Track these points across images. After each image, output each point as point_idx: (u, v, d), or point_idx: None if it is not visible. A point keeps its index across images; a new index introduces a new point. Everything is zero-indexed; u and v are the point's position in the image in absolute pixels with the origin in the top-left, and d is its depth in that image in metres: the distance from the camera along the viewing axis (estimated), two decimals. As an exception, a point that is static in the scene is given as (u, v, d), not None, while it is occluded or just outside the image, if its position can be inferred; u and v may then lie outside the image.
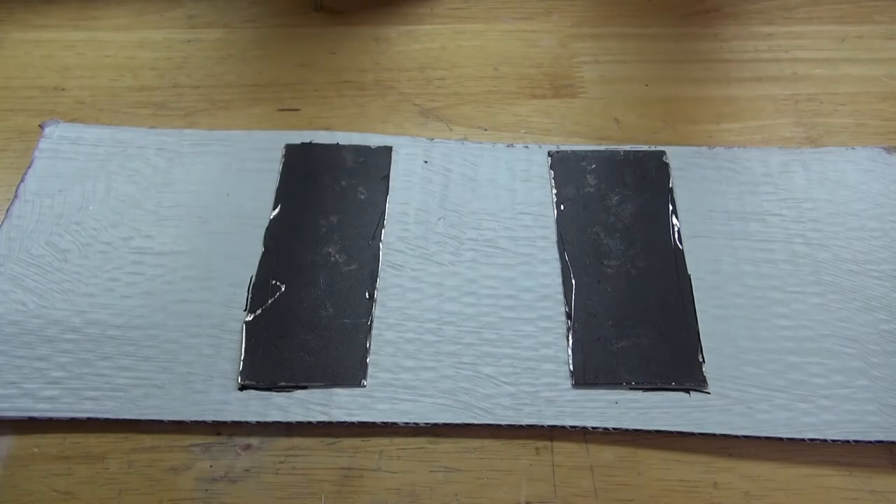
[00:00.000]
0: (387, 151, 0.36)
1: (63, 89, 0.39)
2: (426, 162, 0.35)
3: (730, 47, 0.42)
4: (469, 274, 0.32)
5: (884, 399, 0.28)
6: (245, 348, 0.29)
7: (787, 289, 0.31)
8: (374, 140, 0.36)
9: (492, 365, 0.29)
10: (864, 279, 0.31)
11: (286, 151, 0.35)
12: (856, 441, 0.27)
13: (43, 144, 0.35)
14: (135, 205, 0.34)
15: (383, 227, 0.33)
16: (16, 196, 0.34)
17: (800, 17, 0.43)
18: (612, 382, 0.29)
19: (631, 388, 0.28)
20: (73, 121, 0.37)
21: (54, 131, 0.36)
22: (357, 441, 0.28)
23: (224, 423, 0.28)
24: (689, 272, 0.31)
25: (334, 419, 0.28)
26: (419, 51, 0.42)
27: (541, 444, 0.28)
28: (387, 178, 0.35)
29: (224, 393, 0.28)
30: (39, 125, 0.36)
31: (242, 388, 0.28)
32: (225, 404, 0.28)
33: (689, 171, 0.35)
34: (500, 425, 0.28)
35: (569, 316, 0.30)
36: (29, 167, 0.35)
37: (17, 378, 0.28)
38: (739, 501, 0.26)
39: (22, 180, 0.34)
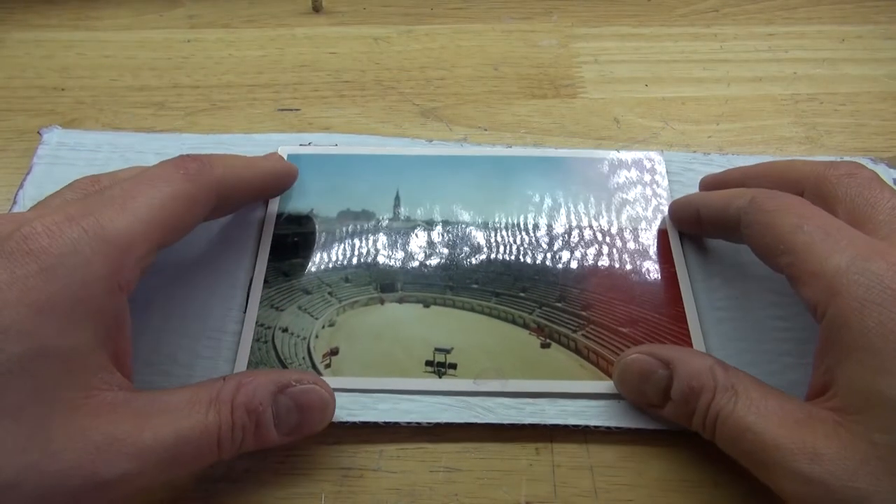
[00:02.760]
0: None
1: (63, 89, 0.39)
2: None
3: (730, 47, 0.42)
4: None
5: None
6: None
7: (784, 291, 0.31)
8: (373, 141, 0.36)
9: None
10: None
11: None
12: (856, 441, 0.27)
13: (41, 150, 0.35)
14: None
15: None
16: (14, 202, 0.33)
17: (800, 17, 0.44)
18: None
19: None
20: (72, 121, 0.37)
21: (52, 137, 0.36)
22: (357, 441, 0.28)
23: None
24: (688, 275, 0.31)
25: (335, 420, 0.28)
26: (419, 51, 0.42)
27: (541, 444, 0.28)
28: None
29: (224, 393, 0.28)
30: (38, 132, 0.36)
31: (243, 388, 0.28)
32: (225, 405, 0.28)
33: (685, 176, 0.35)
34: (501, 424, 0.28)
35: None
36: (28, 174, 0.34)
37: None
38: (739, 501, 0.26)
39: (20, 187, 0.34)
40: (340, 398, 0.28)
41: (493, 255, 0.32)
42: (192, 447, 0.22)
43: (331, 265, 0.32)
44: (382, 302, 0.31)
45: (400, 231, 0.33)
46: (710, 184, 0.32)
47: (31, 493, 0.19)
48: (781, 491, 0.22)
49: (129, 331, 0.23)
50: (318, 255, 0.32)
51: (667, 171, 0.35)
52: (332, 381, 0.28)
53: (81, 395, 0.21)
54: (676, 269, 0.32)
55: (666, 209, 0.34)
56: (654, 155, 0.36)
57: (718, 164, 0.35)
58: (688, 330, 0.30)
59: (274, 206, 0.34)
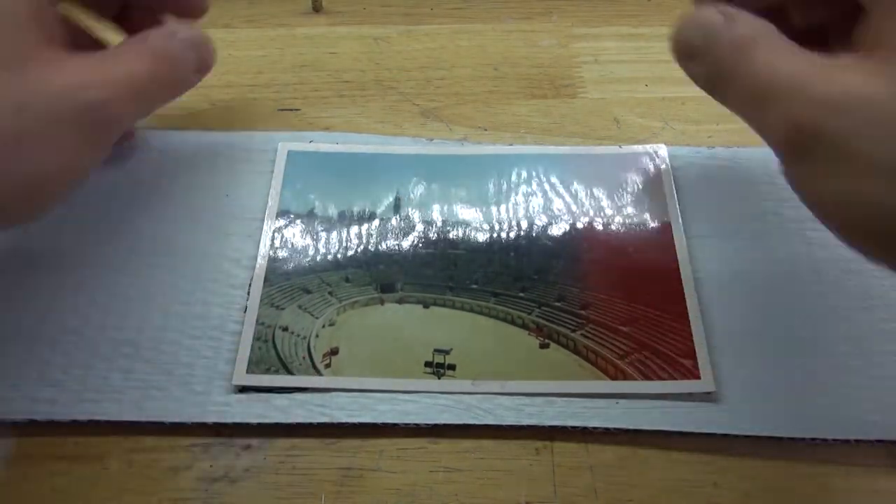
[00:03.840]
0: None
1: (63, 90, 0.39)
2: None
3: (730, 47, 0.42)
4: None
5: (883, 398, 0.28)
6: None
7: (787, 288, 0.31)
8: (374, 140, 0.36)
9: (492, 365, 0.29)
10: (864, 278, 0.31)
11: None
12: (856, 440, 0.27)
13: None
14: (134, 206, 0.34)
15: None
16: None
17: (800, 17, 0.43)
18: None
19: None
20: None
21: None
22: (357, 441, 0.28)
23: (224, 424, 0.28)
24: (691, 271, 0.31)
25: (335, 420, 0.28)
26: (419, 51, 0.42)
27: (541, 444, 0.28)
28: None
29: (224, 394, 0.28)
30: None
31: (242, 389, 0.29)
32: (226, 406, 0.28)
33: (688, 171, 0.35)
34: (501, 426, 0.28)
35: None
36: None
37: (17, 380, 0.28)
38: (739, 501, 0.26)
39: None
40: (340, 398, 0.28)
41: (492, 255, 0.32)
42: (153, 75, 0.27)
43: (331, 264, 0.32)
44: (382, 302, 0.31)
45: (400, 231, 0.33)
46: None
47: (41, 110, 0.24)
48: (786, 120, 0.20)
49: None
50: (319, 254, 0.32)
51: (671, 166, 0.35)
52: (332, 382, 0.29)
53: (46, 49, 0.25)
54: (679, 264, 0.32)
55: (669, 205, 0.33)
56: (658, 147, 0.36)
57: (723, 157, 0.35)
58: (690, 328, 0.30)
59: (274, 204, 0.34)
